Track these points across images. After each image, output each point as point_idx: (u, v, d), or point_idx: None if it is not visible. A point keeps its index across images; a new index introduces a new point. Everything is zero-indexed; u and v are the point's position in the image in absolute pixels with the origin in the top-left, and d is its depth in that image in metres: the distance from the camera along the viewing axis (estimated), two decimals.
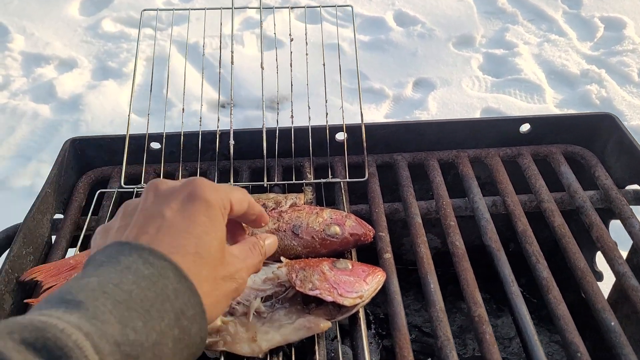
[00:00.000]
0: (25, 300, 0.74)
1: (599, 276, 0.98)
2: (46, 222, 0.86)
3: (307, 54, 0.94)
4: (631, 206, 0.89)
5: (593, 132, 0.97)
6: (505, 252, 0.82)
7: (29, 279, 0.76)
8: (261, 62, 0.98)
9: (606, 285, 0.98)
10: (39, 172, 2.18)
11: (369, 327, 1.07)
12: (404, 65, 2.80)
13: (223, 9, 1.02)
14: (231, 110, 0.96)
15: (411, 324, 1.12)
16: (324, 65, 0.95)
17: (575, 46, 2.86)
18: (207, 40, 2.78)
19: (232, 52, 0.98)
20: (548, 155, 0.98)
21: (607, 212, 0.92)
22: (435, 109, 2.48)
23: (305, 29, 0.99)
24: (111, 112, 2.49)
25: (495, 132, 0.98)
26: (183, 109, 0.97)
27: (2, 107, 2.50)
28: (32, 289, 0.78)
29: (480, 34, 2.96)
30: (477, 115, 2.43)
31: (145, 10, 1.02)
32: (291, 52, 0.94)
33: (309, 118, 0.95)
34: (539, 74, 2.69)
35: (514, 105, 2.48)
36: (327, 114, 0.96)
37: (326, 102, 0.96)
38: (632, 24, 2.94)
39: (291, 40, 1.00)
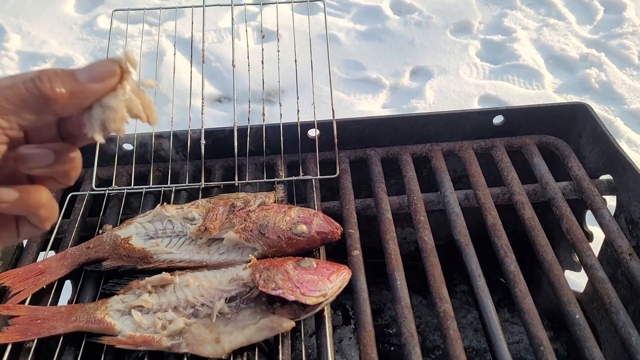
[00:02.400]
0: None
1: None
2: None
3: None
4: (604, 196, 0.88)
5: (567, 122, 0.96)
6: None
7: None
8: (232, 61, 0.98)
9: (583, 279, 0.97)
10: None
11: (348, 323, 1.07)
12: (401, 54, 2.77)
13: (194, 7, 1.02)
14: (202, 109, 0.96)
15: (392, 318, 1.12)
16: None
17: (575, 30, 2.82)
18: (199, 35, 2.77)
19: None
20: (522, 147, 0.97)
21: (582, 203, 0.91)
22: (432, 97, 2.46)
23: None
24: None
25: (469, 124, 0.97)
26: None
27: None
28: (1, 295, 0.78)
29: (478, 20, 2.92)
30: (474, 102, 2.40)
31: (115, 10, 1.02)
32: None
33: (280, 115, 0.95)
34: (537, 60, 2.66)
35: (513, 91, 2.45)
36: (298, 110, 0.95)
37: (297, 98, 0.96)
38: (632, 6, 2.89)
39: (262, 37, 1.00)
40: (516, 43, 2.72)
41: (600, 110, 2.34)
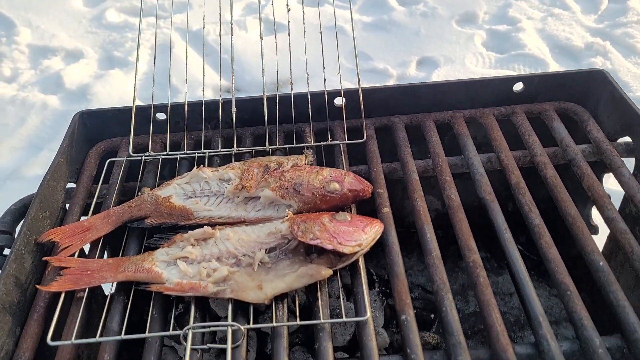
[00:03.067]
0: (44, 258, 0.79)
1: (594, 230, 1.01)
2: (60, 190, 0.90)
3: (304, 32, 0.97)
4: (622, 158, 0.92)
5: (585, 88, 0.99)
6: (504, 212, 0.85)
7: (47, 240, 0.81)
8: (260, 33, 1.01)
9: (602, 238, 1.01)
10: (49, 162, 2.23)
11: (372, 287, 1.10)
12: (407, 45, 2.81)
13: None
14: (232, 78, 0.99)
15: (414, 283, 1.16)
16: (321, 33, 0.98)
17: (580, 19, 2.85)
18: (211, 26, 2.81)
19: (231, 25, 1.02)
20: (541, 113, 1.00)
21: (600, 166, 0.94)
22: None
23: (303, 10, 1.02)
24: (118, 100, 2.54)
25: (490, 91, 1.01)
26: (186, 80, 1.01)
27: (12, 99, 2.55)
28: (49, 249, 0.82)
29: (483, 11, 2.96)
30: None
31: None
32: (289, 33, 0.98)
33: (308, 84, 0.99)
34: (543, 49, 2.70)
35: None
36: (325, 79, 0.99)
37: (324, 67, 0.99)
38: None
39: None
40: (521, 33, 2.75)
41: None
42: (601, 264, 0.74)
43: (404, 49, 2.78)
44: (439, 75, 2.56)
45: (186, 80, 1.02)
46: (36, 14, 3.13)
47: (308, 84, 0.98)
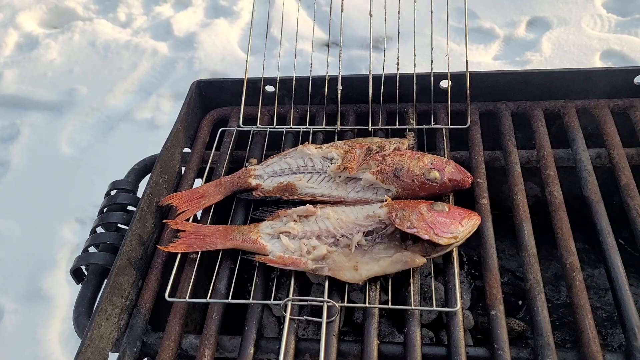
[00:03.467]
0: (164, 221, 0.87)
1: None
2: (177, 155, 0.98)
3: None
4: None
5: None
6: (607, 205, 0.82)
7: (166, 204, 0.89)
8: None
9: None
10: (158, 106, 2.38)
11: (462, 268, 1.12)
12: (518, 3, 2.65)
13: None
14: (339, 58, 1.01)
15: (504, 268, 1.16)
16: None
17: None
18: None
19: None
20: None
21: None
22: (549, 50, 2.35)
23: None
24: (222, 50, 2.63)
25: (607, 82, 0.96)
26: (295, 56, 1.03)
27: (126, 44, 2.71)
28: (167, 212, 0.91)
29: None
30: (596, 58, 2.27)
31: None
32: None
33: (414, 65, 0.98)
34: None
35: None
36: (432, 61, 0.98)
37: (432, 49, 0.98)
38: None
39: None
40: None
41: None
42: None
43: (514, 7, 2.63)
44: (550, 38, 2.41)
45: (295, 56, 1.04)
46: None
47: (415, 54, 0.97)
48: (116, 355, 0.76)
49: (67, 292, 1.69)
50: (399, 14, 0.99)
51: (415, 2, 0.97)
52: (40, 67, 2.63)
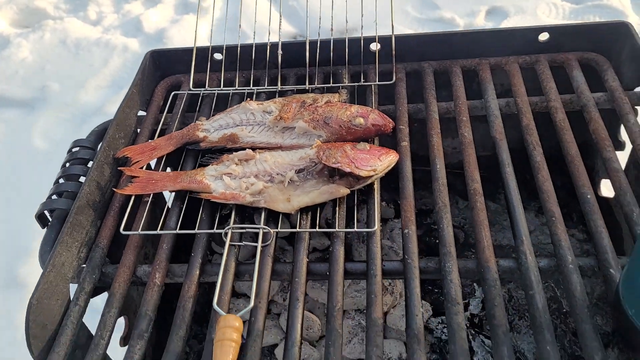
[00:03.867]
0: (119, 168, 0.97)
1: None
2: (133, 116, 1.08)
3: None
4: (637, 107, 0.98)
5: (609, 39, 1.04)
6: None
7: (122, 155, 0.99)
8: None
9: None
10: None
11: (398, 216, 1.23)
12: None
13: None
14: (280, 24, 1.12)
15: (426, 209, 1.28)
16: None
17: None
18: None
19: None
20: (564, 62, 1.07)
21: (614, 115, 1.00)
22: None
23: None
24: (191, 44, 2.72)
25: (516, 41, 1.08)
26: (240, 25, 1.14)
27: (96, 41, 2.79)
28: (123, 163, 1.00)
29: None
30: None
31: None
32: None
33: (346, 30, 1.10)
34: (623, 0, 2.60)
35: None
36: (362, 26, 1.09)
37: (362, 16, 1.10)
38: None
39: None
40: None
41: None
42: (589, 196, 0.83)
43: None
44: (507, 26, 2.54)
45: (239, 25, 1.15)
46: None
47: (347, 30, 1.09)
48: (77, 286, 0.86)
49: None
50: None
51: None
52: (12, 66, 2.70)
